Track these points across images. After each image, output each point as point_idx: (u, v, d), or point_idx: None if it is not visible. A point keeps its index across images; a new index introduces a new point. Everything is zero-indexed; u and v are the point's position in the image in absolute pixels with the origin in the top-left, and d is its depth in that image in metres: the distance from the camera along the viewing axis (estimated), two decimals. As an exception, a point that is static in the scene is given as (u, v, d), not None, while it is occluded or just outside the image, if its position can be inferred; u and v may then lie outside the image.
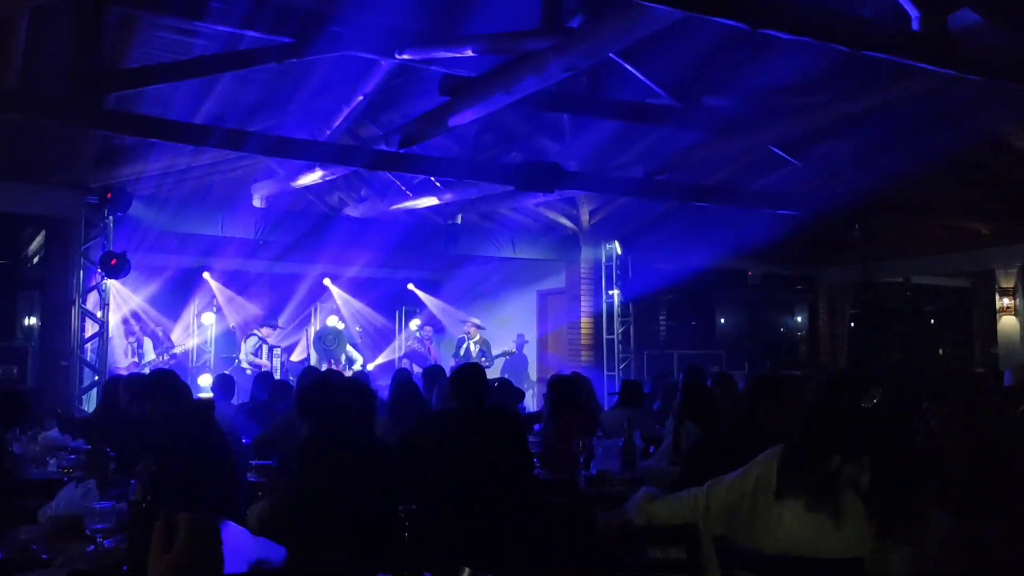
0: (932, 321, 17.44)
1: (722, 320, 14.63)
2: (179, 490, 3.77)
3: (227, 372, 9.90)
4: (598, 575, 3.44)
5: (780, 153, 9.58)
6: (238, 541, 3.33)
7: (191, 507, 3.56)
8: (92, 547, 2.88)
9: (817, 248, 14.03)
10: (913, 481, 2.46)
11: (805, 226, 12.90)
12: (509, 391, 7.00)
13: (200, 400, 4.93)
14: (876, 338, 16.04)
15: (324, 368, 12.04)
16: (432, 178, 10.15)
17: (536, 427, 6.12)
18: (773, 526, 2.53)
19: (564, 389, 5.96)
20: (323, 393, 3.56)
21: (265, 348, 12.10)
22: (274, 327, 12.58)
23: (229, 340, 13.07)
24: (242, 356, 12.07)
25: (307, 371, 6.96)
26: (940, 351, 16.99)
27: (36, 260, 10.25)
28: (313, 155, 8.17)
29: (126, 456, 5.23)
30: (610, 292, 12.16)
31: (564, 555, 3.88)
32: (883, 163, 10.55)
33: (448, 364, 13.04)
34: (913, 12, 5.23)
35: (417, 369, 10.94)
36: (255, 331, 12.36)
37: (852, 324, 15.55)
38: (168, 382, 4.96)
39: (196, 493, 3.91)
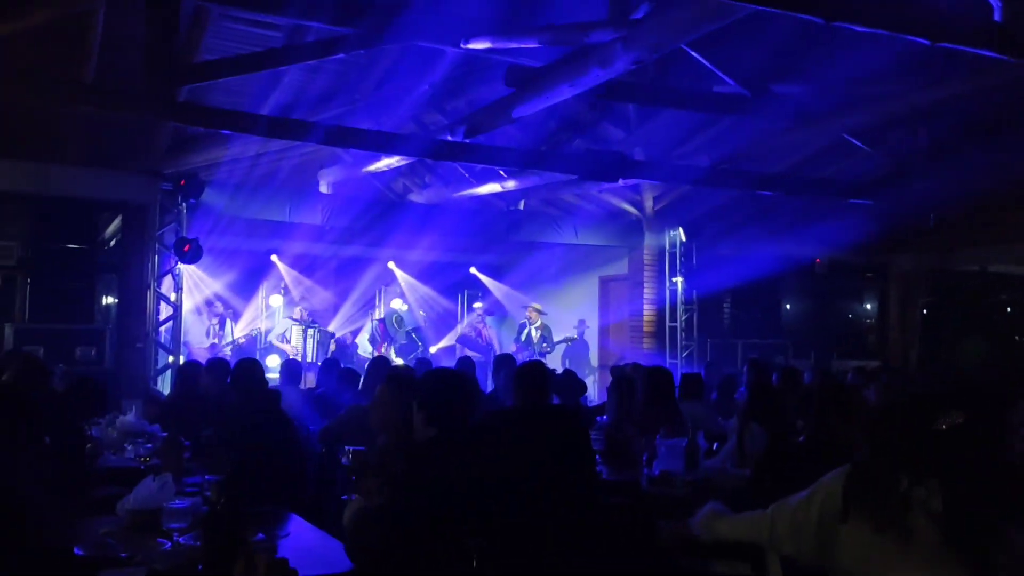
0: (1009, 310, 16.88)
1: (788, 308, 14.38)
2: (252, 484, 3.86)
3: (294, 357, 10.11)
4: (660, 584, 3.43)
5: (852, 140, 9.35)
6: (304, 536, 3.42)
7: (262, 501, 3.62)
8: (168, 544, 2.97)
9: (889, 235, 13.66)
10: (994, 504, 2.38)
11: (877, 213, 12.60)
12: (572, 383, 6.98)
13: (272, 391, 5.03)
14: (950, 328, 15.58)
15: (383, 350, 12.21)
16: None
17: (600, 419, 6.08)
18: (839, 550, 2.49)
19: (660, 378, 5.79)
20: (448, 394, 3.35)
21: (297, 329, 12.30)
22: (295, 305, 12.82)
23: (312, 317, 13.30)
24: (273, 339, 12.31)
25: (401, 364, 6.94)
26: (1016, 338, 16.44)
27: (113, 244, 10.57)
28: (382, 146, 8.23)
29: (201, 443, 5.40)
30: (673, 279, 12.04)
31: (626, 561, 3.88)
32: (961, 150, 10.22)
33: (509, 349, 13.12)
34: (995, 2, 5.05)
35: (475, 356, 11.01)
36: (287, 313, 12.57)
37: (924, 312, 15.14)
38: (250, 373, 5.09)
39: (267, 487, 4.01)
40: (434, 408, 3.27)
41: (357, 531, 2.99)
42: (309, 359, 12.21)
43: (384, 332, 13.13)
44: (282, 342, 12.25)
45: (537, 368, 4.69)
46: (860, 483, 2.50)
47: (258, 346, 12.45)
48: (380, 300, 14.17)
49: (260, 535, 3.15)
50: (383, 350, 12.85)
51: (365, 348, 13.22)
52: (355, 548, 2.92)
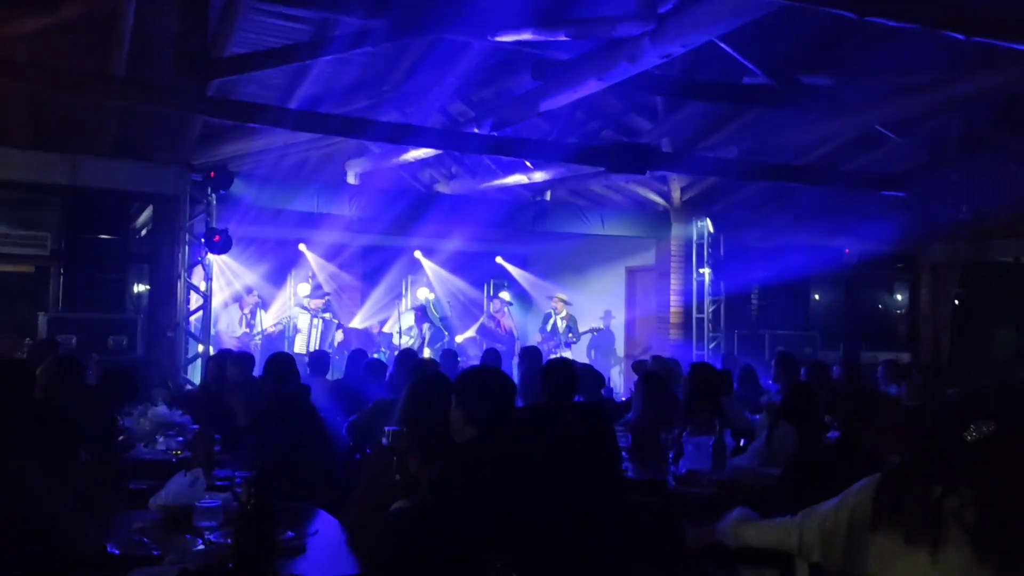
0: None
1: (817, 300, 14.25)
2: (282, 480, 3.90)
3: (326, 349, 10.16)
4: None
5: (882, 130, 9.23)
6: (332, 534, 3.45)
7: (292, 497, 3.63)
8: (200, 542, 3.02)
9: (921, 225, 13.49)
10: None
11: (909, 203, 12.44)
12: (590, 377, 6.97)
13: (304, 386, 5.06)
14: (982, 319, 15.37)
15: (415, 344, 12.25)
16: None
17: (632, 416, 6.03)
18: (869, 559, 2.47)
19: (707, 375, 5.72)
20: (486, 393, 3.26)
21: (312, 320, 12.36)
22: (321, 296, 12.86)
23: (328, 309, 13.36)
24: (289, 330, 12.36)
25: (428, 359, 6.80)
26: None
27: (144, 234, 10.69)
28: (410, 139, 8.25)
29: (234, 434, 5.46)
30: (700, 270, 11.97)
31: (651, 562, 3.88)
32: (996, 139, 10.06)
33: (534, 338, 13.13)
34: (1032, -6, 4.96)
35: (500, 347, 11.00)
36: (305, 303, 12.61)
37: (956, 304, 14.94)
38: (284, 366, 5.11)
39: (297, 483, 4.05)
40: (474, 408, 3.20)
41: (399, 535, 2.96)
42: (311, 348, 12.28)
43: (423, 318, 13.18)
44: (294, 332, 12.32)
45: (564, 365, 4.70)
46: (891, 492, 2.47)
47: (286, 335, 12.53)
48: (407, 290, 14.21)
49: (289, 533, 3.17)
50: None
51: (398, 340, 13.21)
52: (383, 553, 2.92)
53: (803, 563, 2.68)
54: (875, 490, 2.50)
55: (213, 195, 9.61)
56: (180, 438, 5.23)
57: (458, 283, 14.89)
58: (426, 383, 3.82)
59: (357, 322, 14.01)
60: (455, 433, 3.23)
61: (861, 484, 2.57)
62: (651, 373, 6.13)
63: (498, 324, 13.45)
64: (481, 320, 14.03)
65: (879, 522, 2.45)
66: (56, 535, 1.86)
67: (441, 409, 3.61)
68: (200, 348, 9.82)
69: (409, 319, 13.32)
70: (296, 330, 12.41)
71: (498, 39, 6.75)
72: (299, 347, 11.89)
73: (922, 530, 2.38)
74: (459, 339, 13.67)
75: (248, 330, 11.81)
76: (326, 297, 12.94)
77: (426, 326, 13.03)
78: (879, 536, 2.46)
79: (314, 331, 12.51)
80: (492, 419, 3.19)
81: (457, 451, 3.18)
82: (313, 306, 12.55)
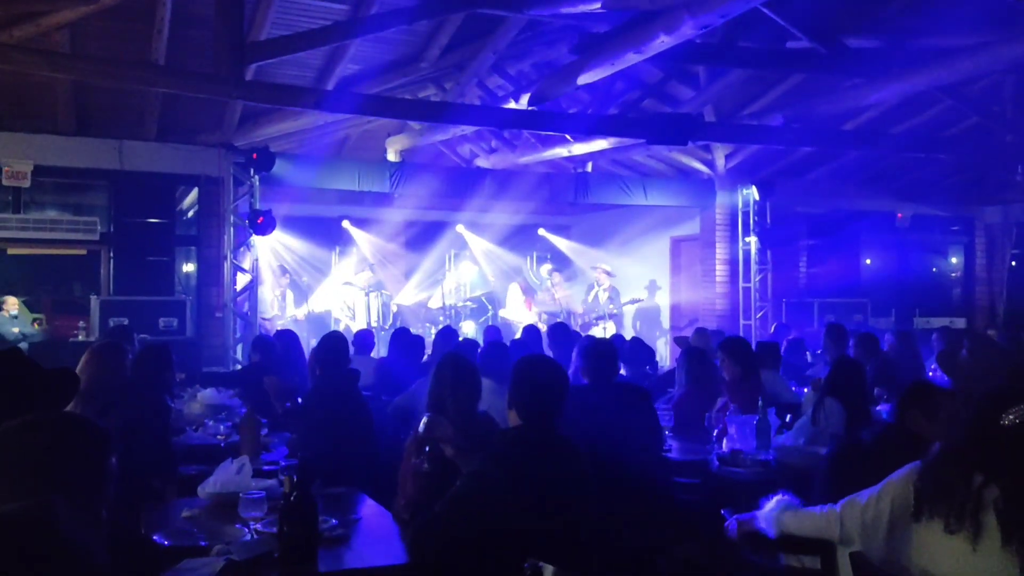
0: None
1: (867, 265, 13.98)
2: (326, 466, 3.97)
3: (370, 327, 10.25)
4: (725, 572, 3.42)
5: (932, 92, 8.98)
6: (376, 520, 3.50)
7: (338, 483, 3.67)
8: (246, 532, 3.09)
9: (975, 187, 13.15)
10: None
11: (961, 165, 12.12)
12: (640, 352, 6.95)
13: (353, 371, 5.10)
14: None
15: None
16: (563, 131, 10.08)
17: (676, 395, 5.98)
18: (911, 549, 2.45)
19: (748, 353, 5.66)
20: (534, 388, 3.15)
21: (358, 296, 12.42)
22: (372, 270, 12.93)
23: (378, 285, 13.49)
24: (335, 308, 12.37)
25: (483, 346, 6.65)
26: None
27: (190, 216, 10.87)
28: (450, 117, 8.24)
29: (283, 416, 5.55)
30: (746, 239, 11.81)
31: (693, 546, 3.88)
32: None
33: (577, 311, 13.10)
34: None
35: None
36: (350, 280, 12.66)
37: (1012, 266, 14.57)
38: (335, 349, 5.14)
39: (342, 468, 4.11)
40: (522, 397, 3.14)
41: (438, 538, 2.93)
42: (374, 325, 12.39)
43: (527, 289, 13.25)
44: (347, 314, 12.39)
45: (605, 345, 4.69)
46: (932, 481, 2.44)
47: (333, 316, 12.65)
48: (451, 265, 14.26)
49: (333, 521, 3.23)
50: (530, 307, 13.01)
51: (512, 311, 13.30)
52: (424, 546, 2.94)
53: (844, 551, 2.67)
54: (916, 480, 2.47)
55: (256, 176, 9.73)
56: (228, 422, 5.33)
57: (502, 256, 14.90)
58: (449, 367, 3.79)
59: (405, 297, 14.12)
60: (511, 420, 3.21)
61: (902, 472, 2.55)
62: (693, 348, 6.07)
63: (552, 299, 13.47)
64: (539, 295, 14.04)
65: (921, 511, 2.43)
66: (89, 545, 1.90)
67: (465, 394, 3.61)
68: (245, 329, 9.99)
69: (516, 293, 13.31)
70: (351, 310, 12.51)
71: (533, 12, 6.69)
72: (358, 326, 11.99)
73: (962, 519, 2.35)
74: (503, 313, 13.71)
75: (279, 313, 11.95)
76: (371, 273, 13.03)
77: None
78: (921, 525, 2.44)
79: (374, 307, 12.62)
80: (537, 410, 3.14)
81: (499, 440, 3.19)
82: (361, 283, 12.65)
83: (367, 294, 12.60)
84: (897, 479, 2.56)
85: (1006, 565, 2.32)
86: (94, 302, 9.26)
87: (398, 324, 12.38)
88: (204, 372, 7.84)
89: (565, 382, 3.25)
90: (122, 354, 4.88)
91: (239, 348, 9.93)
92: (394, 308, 13.07)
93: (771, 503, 2.85)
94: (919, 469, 2.52)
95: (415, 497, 3.13)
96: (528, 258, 15.00)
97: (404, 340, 7.61)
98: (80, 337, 9.29)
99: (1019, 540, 2.27)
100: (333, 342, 5.21)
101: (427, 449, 3.36)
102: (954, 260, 15.06)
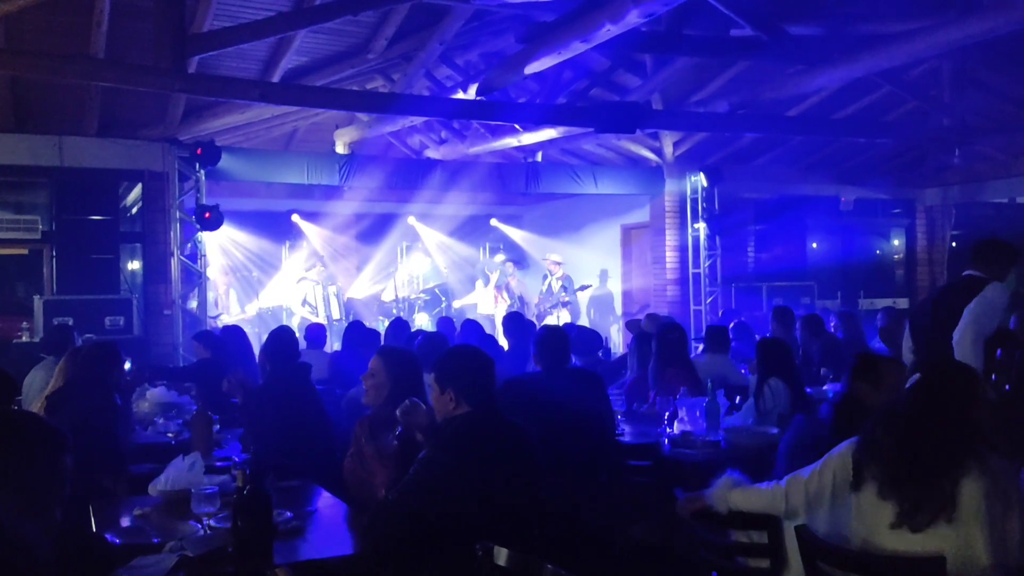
0: (1040, 241, 16.61)
1: (814, 249, 14.26)
2: (280, 460, 3.96)
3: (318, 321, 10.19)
4: (679, 551, 3.49)
5: (872, 78, 9.17)
6: (332, 512, 3.50)
7: (291, 476, 3.67)
8: (200, 528, 3.08)
9: (915, 170, 13.47)
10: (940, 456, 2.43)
11: (902, 148, 12.41)
12: (587, 340, 7.02)
13: (304, 365, 5.08)
14: (978, 260, 15.37)
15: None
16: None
17: (628, 380, 6.08)
18: (851, 519, 2.54)
19: (672, 338, 5.71)
20: (477, 370, 3.25)
21: (315, 290, 12.35)
22: (322, 263, 12.87)
23: (331, 277, 13.39)
24: (293, 304, 12.30)
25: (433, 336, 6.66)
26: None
27: (135, 212, 10.68)
28: (397, 108, 8.22)
29: (233, 410, 5.51)
30: (696, 225, 11.95)
31: (646, 527, 3.95)
32: (986, 81, 10.00)
33: (532, 301, 13.18)
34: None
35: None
36: (304, 275, 12.58)
37: (952, 246, 14.97)
38: (283, 343, 5.11)
39: (296, 461, 4.10)
40: (466, 385, 3.21)
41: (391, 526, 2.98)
42: (335, 319, 12.32)
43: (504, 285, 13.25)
44: (305, 307, 12.28)
45: (556, 333, 4.74)
46: (867, 449, 2.54)
47: (283, 311, 12.55)
48: (403, 258, 14.23)
49: (288, 514, 3.23)
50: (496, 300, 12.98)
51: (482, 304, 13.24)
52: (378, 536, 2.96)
53: (789, 525, 2.75)
54: (854, 452, 2.57)
55: (201, 171, 9.60)
56: (179, 420, 5.28)
57: (454, 247, 14.91)
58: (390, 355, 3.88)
59: (358, 290, 14.06)
60: (441, 411, 3.25)
61: (842, 446, 2.65)
62: (643, 334, 6.16)
63: (508, 290, 13.50)
64: (493, 282, 14.04)
65: (860, 480, 2.53)
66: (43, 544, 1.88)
67: (409, 385, 3.64)
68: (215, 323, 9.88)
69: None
70: (313, 307, 12.38)
71: (479, 2, 6.70)
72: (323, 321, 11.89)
73: (895, 487, 2.45)
74: (457, 304, 13.73)
75: (220, 311, 11.81)
76: (322, 267, 12.94)
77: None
78: (860, 494, 2.53)
79: (333, 300, 12.53)
80: (482, 394, 3.22)
81: (449, 427, 3.22)
82: (315, 277, 12.57)
83: (325, 288, 12.52)
84: (837, 452, 2.66)
85: (946, 536, 2.42)
86: (37, 302, 9.06)
87: (351, 317, 12.33)
88: (153, 365, 7.73)
89: (492, 363, 3.34)
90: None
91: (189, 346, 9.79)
92: (344, 299, 13.01)
93: (720, 481, 2.93)
94: (858, 442, 2.61)
95: (397, 475, 3.14)
96: (481, 249, 15.02)
97: (358, 333, 7.61)
98: (24, 338, 9.09)
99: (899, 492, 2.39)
100: (281, 336, 5.18)
101: (399, 431, 3.40)
102: (896, 242, 15.42)
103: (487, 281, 13.35)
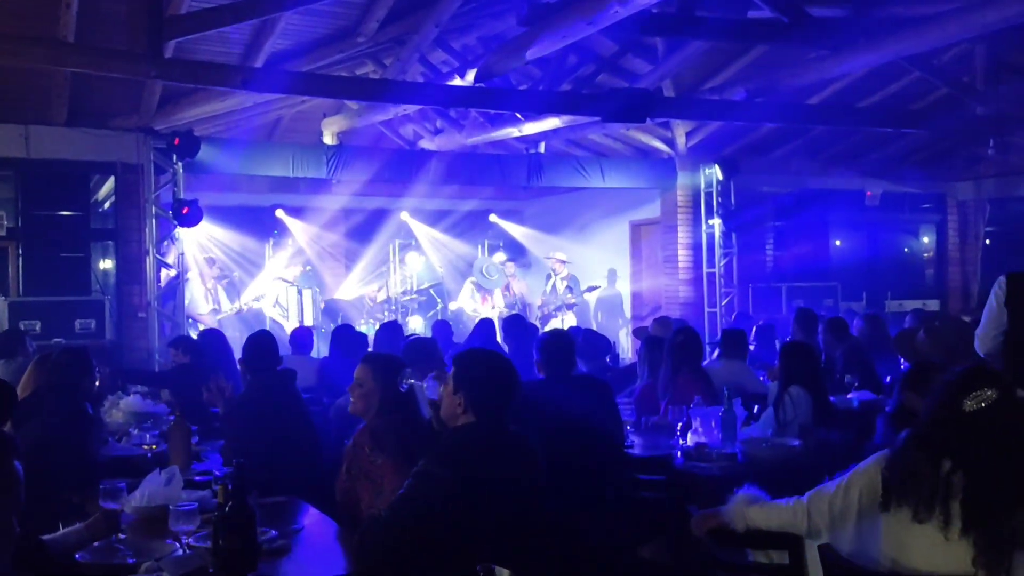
0: (1080, 237, 16.61)
1: (837, 247, 14.27)
2: (263, 475, 3.96)
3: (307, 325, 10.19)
4: (693, 572, 3.49)
5: (901, 63, 9.18)
6: (319, 530, 3.51)
7: (275, 491, 3.67)
8: (178, 547, 3.07)
9: (946, 163, 13.47)
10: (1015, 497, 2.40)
11: (932, 140, 12.40)
12: (595, 344, 7.03)
13: (287, 372, 5.08)
14: (1014, 258, 15.39)
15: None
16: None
17: (638, 388, 6.07)
18: (880, 540, 2.54)
19: (684, 342, 5.69)
20: (492, 379, 3.25)
21: (289, 292, 12.35)
22: (300, 264, 12.88)
23: (311, 279, 13.40)
24: (264, 305, 12.30)
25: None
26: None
27: (107, 207, 10.68)
28: (389, 96, 8.22)
29: (214, 420, 5.51)
30: (710, 221, 11.96)
31: (657, 546, 3.95)
32: (1023, 66, 10.01)
33: (535, 303, 13.19)
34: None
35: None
36: (280, 273, 12.57)
37: (986, 244, 14.98)
38: (262, 349, 5.12)
39: (280, 476, 4.10)
40: (477, 394, 3.20)
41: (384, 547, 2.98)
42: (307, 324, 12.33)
43: (479, 286, 13.23)
44: (276, 308, 12.27)
45: (561, 338, 4.74)
46: (899, 469, 2.53)
47: (268, 311, 12.56)
48: (395, 256, 14.23)
49: (273, 532, 3.23)
50: (490, 303, 12.98)
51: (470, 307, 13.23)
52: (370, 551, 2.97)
53: (812, 544, 2.75)
54: (884, 467, 2.56)
55: (179, 163, 9.60)
56: (155, 431, 5.28)
57: (451, 244, 14.91)
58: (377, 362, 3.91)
59: (347, 291, 14.06)
60: (449, 418, 3.25)
61: (869, 461, 2.64)
62: (653, 339, 6.16)
63: (508, 289, 13.50)
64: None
65: (889, 501, 2.52)
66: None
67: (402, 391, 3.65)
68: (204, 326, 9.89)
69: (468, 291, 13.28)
70: (284, 309, 12.40)
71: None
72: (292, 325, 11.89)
73: (931, 507, 2.44)
74: (453, 306, 13.73)
75: (216, 307, 11.82)
76: (307, 267, 12.96)
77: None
78: (890, 515, 2.52)
79: (308, 304, 12.54)
80: (493, 408, 3.21)
81: (448, 439, 3.21)
82: (291, 277, 12.56)
83: (300, 291, 12.51)
84: (864, 468, 2.65)
85: (969, 553, 2.42)
86: (1, 304, 9.06)
87: (339, 321, 12.33)
88: (127, 368, 7.73)
89: (518, 377, 3.32)
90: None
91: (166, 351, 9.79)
92: (321, 304, 13.00)
93: (737, 496, 2.93)
94: (886, 457, 2.61)
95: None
96: (479, 246, 15.02)
97: (346, 338, 7.62)
98: (-14, 343, 9.08)
99: (980, 528, 2.37)
100: (260, 341, 5.19)
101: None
102: (926, 239, 15.43)
103: (480, 289, 13.30)
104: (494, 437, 3.18)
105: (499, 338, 7.89)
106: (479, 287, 13.28)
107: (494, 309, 12.89)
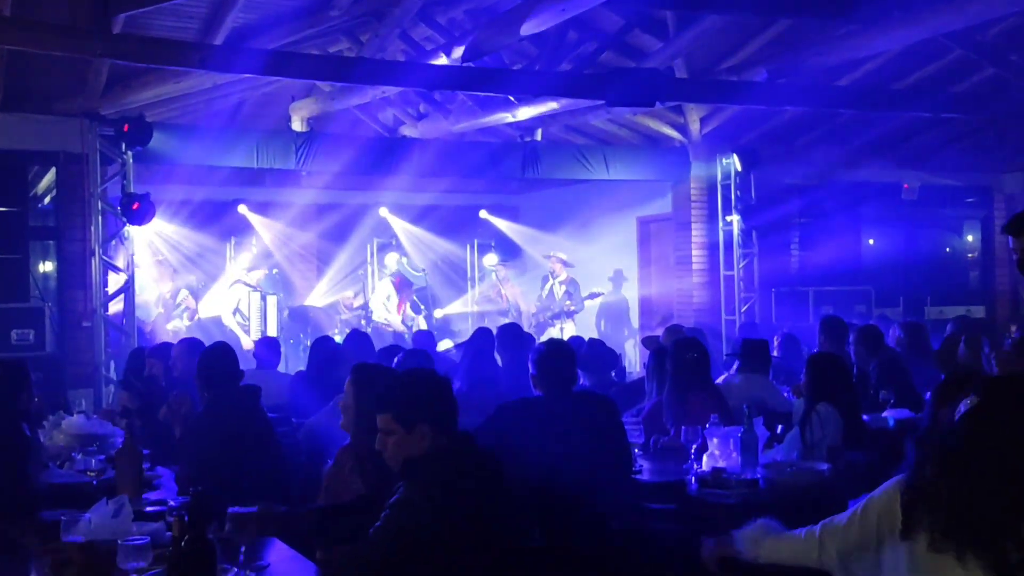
0: None
1: (870, 246, 14.32)
2: (224, 505, 3.96)
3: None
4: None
5: (943, 40, 9.23)
6: (288, 568, 3.51)
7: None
8: (129, 588, 3.07)
9: (992, 151, 13.52)
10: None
11: (977, 126, 12.46)
12: (599, 356, 7.04)
13: (250, 389, 5.08)
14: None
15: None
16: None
17: (647, 406, 6.08)
18: (902, 571, 2.55)
19: (690, 354, 5.72)
20: (434, 395, 3.36)
21: (251, 298, 12.32)
22: (262, 267, 12.85)
23: (276, 283, 13.39)
24: (223, 313, 12.29)
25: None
26: None
27: (48, 202, 10.67)
28: (366, 77, 8.23)
29: (162, 445, 5.51)
30: (728, 217, 12.00)
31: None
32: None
33: (529, 310, 13.19)
34: None
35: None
36: (241, 276, 12.54)
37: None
38: (220, 364, 5.13)
39: (241, 503, 4.10)
40: (439, 413, 3.31)
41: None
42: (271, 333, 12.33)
43: (402, 282, 13.18)
44: (236, 316, 12.23)
45: (559, 350, 4.74)
46: (917, 493, 2.55)
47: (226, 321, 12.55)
48: (372, 256, 14.24)
49: (235, 569, 3.23)
50: (405, 310, 12.92)
51: (381, 313, 13.19)
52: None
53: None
54: (902, 495, 2.58)
55: (128, 152, 9.59)
56: (102, 455, 5.26)
57: (436, 244, 14.93)
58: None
59: (318, 297, 14.06)
60: (411, 446, 3.27)
61: (886, 486, 2.67)
62: (664, 349, 6.17)
63: (499, 295, 13.51)
64: (479, 292, 14.07)
65: (911, 527, 2.53)
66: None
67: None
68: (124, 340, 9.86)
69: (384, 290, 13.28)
70: (245, 317, 12.37)
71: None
72: (250, 335, 11.88)
73: (946, 535, 2.45)
74: (439, 314, 13.74)
75: (163, 311, 11.79)
76: (274, 270, 12.94)
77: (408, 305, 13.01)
78: (910, 544, 2.54)
79: (272, 312, 12.52)
80: (454, 422, 3.32)
81: (423, 465, 3.24)
82: (253, 281, 12.55)
83: (263, 296, 12.47)
84: (880, 494, 2.68)
85: None
86: (-74, 312, 9.05)
87: (308, 331, 12.34)
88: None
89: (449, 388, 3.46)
90: None
91: (112, 365, 9.77)
92: (285, 312, 12.99)
93: (754, 524, 2.96)
94: (904, 481, 2.62)
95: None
96: (468, 246, 15.04)
97: (324, 351, 7.61)
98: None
99: (982, 549, 2.39)
100: (218, 353, 5.20)
101: None
102: (970, 238, 15.49)
103: (401, 284, 13.23)
104: (469, 457, 3.28)
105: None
106: (401, 285, 13.15)
107: (413, 321, 12.85)
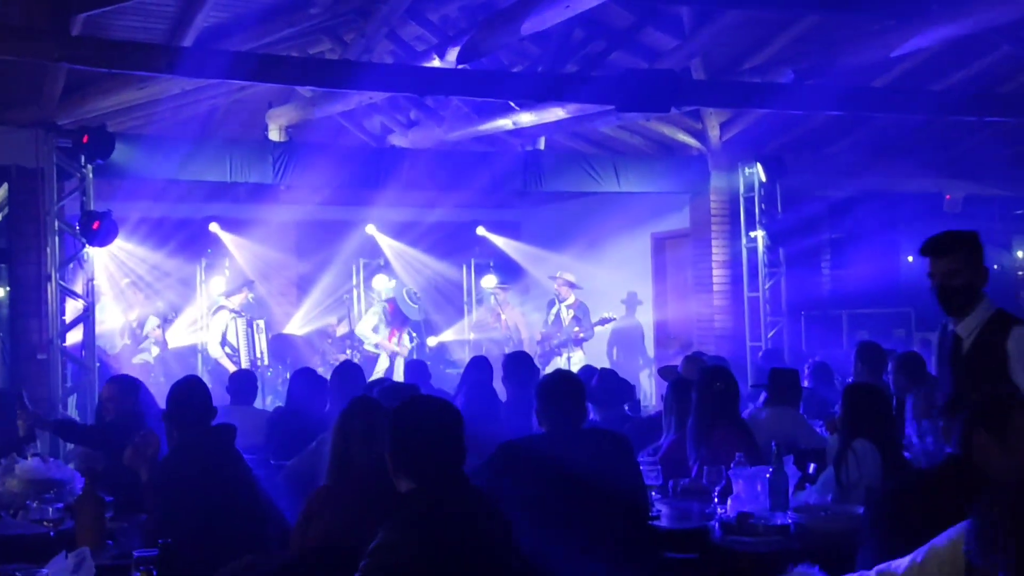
0: None
1: (909, 264, 14.33)
2: (195, 556, 3.96)
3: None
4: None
5: (986, 36, 9.27)
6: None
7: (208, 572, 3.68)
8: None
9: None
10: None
11: (1024, 130, 12.49)
12: (612, 390, 7.03)
13: (224, 428, 5.08)
14: None
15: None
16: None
17: (665, 443, 6.08)
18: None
19: (718, 385, 5.72)
20: (423, 441, 3.41)
21: (237, 324, 12.32)
22: (250, 288, 12.86)
23: (255, 308, 13.39)
24: (209, 343, 12.30)
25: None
26: None
27: (-1, 221, 10.71)
28: (347, 81, 8.26)
29: (127, 493, 5.50)
30: (752, 233, 12.01)
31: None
32: None
33: (533, 337, 13.19)
34: None
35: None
36: (222, 302, 12.56)
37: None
38: (189, 401, 5.13)
39: (216, 557, 4.10)
40: (410, 456, 3.39)
41: None
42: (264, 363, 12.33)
43: (396, 313, 13.18)
44: (226, 344, 12.24)
45: (567, 383, 4.74)
46: (986, 545, 2.52)
47: (199, 348, 12.56)
48: (358, 278, 14.25)
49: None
50: (396, 341, 12.92)
51: (371, 340, 13.19)
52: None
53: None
54: (968, 543, 2.56)
55: (88, 166, 9.61)
56: (59, 503, 5.25)
57: (429, 265, 14.93)
58: (358, 415, 4.11)
59: (297, 324, 14.06)
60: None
61: (951, 533, 2.65)
62: (683, 381, 6.16)
63: (497, 319, 13.50)
64: (476, 317, 14.07)
65: None
66: None
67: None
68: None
69: (373, 319, 13.30)
70: (234, 349, 12.36)
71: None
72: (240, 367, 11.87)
73: None
74: (432, 342, 13.72)
75: (130, 342, 11.79)
76: (248, 292, 12.94)
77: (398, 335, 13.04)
78: None
79: (259, 339, 12.53)
80: (436, 467, 3.35)
81: (403, 507, 3.30)
82: (235, 305, 12.56)
83: (249, 323, 12.48)
84: (944, 542, 2.66)
85: None
86: None
87: (288, 362, 12.33)
88: (54, 420, 7.72)
89: (460, 420, 3.46)
90: None
91: (71, 400, 9.77)
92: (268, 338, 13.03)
93: (793, 573, 2.94)
94: (971, 529, 2.60)
95: None
96: (464, 267, 15.04)
97: (307, 383, 7.60)
98: None
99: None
100: (186, 391, 5.18)
101: None
102: (1020, 254, 15.52)
103: (394, 319, 13.26)
104: (447, 500, 3.31)
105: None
106: (394, 316, 13.16)
107: (400, 347, 12.86)
